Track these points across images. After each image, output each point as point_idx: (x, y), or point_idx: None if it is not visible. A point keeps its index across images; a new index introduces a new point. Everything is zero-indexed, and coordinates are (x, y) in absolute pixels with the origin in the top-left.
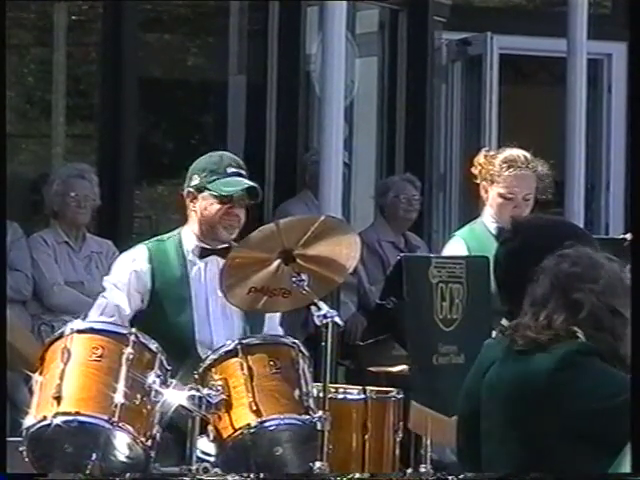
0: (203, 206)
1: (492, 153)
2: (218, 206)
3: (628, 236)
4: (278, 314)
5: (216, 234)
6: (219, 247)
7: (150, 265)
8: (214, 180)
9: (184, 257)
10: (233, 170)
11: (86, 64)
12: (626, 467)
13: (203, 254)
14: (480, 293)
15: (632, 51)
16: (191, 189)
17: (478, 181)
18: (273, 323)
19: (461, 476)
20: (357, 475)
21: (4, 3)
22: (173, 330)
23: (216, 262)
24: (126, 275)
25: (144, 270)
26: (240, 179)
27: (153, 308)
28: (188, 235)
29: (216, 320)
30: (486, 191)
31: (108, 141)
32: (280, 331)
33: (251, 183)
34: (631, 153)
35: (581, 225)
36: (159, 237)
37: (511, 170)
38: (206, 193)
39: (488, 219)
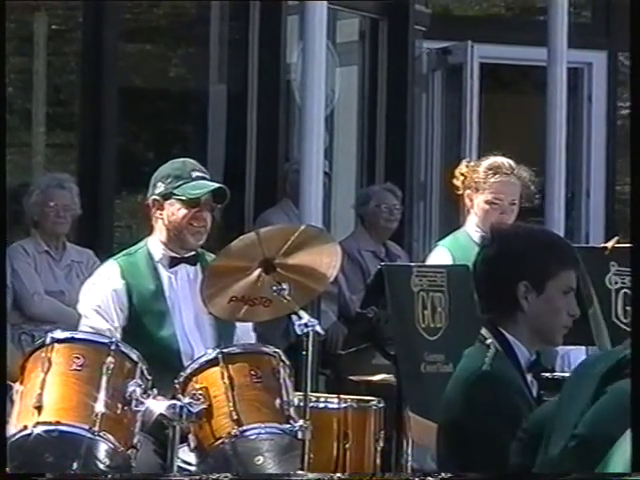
0: (170, 212)
1: (473, 163)
2: (185, 211)
3: (609, 244)
4: None
5: (183, 241)
6: (187, 255)
7: (124, 281)
8: (180, 185)
9: (155, 268)
10: (198, 174)
11: (66, 73)
12: (617, 467)
13: (172, 263)
14: (463, 302)
15: (632, 51)
16: (156, 197)
17: (460, 192)
18: (245, 329)
19: (440, 476)
20: (337, 475)
21: (4, 5)
22: (157, 345)
23: (185, 270)
24: (106, 296)
25: (120, 287)
26: (206, 182)
27: (133, 325)
28: (155, 245)
29: (191, 329)
30: (471, 200)
31: (88, 150)
32: (253, 336)
33: (218, 184)
34: (631, 155)
35: (561, 233)
36: (126, 250)
37: (497, 177)
38: (173, 199)
39: (472, 228)
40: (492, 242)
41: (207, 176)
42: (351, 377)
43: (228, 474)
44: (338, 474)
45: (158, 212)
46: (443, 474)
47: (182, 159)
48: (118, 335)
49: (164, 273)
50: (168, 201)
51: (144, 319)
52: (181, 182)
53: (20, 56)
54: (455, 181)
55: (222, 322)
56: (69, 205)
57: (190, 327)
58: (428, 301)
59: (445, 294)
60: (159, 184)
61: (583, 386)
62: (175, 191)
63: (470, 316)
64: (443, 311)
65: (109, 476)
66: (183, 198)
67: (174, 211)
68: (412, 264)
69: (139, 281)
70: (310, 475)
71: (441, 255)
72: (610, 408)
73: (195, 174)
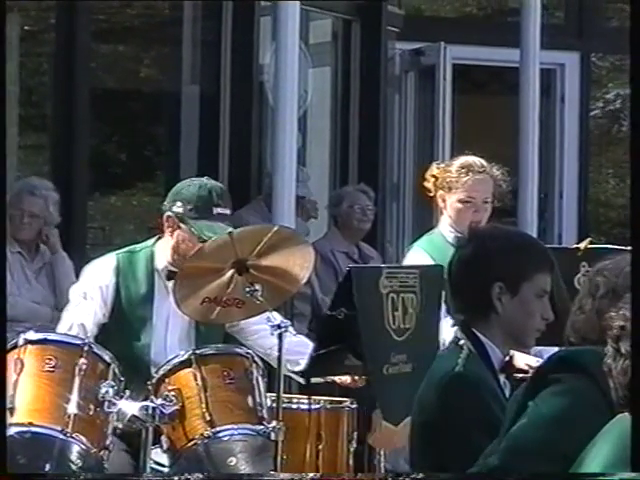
0: (180, 238)
1: (444, 163)
2: (192, 244)
3: (582, 245)
4: None
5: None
6: None
7: (116, 279)
8: (198, 218)
9: (152, 274)
10: (219, 211)
11: (38, 75)
12: (590, 466)
13: (170, 276)
14: (432, 302)
15: (632, 51)
16: (172, 215)
17: (432, 194)
18: None
19: (412, 476)
20: (310, 476)
21: (4, 4)
22: (129, 350)
23: None
24: (92, 288)
25: (108, 284)
26: (224, 226)
27: (113, 324)
28: (161, 252)
29: (172, 342)
30: (444, 200)
31: (61, 152)
32: None
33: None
34: (631, 155)
35: (534, 234)
36: (132, 247)
37: (469, 175)
38: (186, 227)
39: (446, 229)
40: (468, 242)
41: (228, 211)
42: (321, 378)
43: (200, 475)
44: (311, 475)
45: (169, 228)
46: (416, 475)
47: (210, 185)
48: (95, 329)
49: (159, 282)
50: (183, 225)
51: (125, 322)
52: (200, 216)
53: None
54: (426, 184)
55: (206, 338)
56: (36, 213)
57: (173, 339)
58: (399, 302)
59: (417, 295)
60: (179, 203)
61: (519, 388)
62: (191, 222)
63: (436, 316)
64: (414, 312)
65: (81, 477)
66: (196, 233)
67: (184, 238)
68: (383, 265)
69: (131, 282)
70: (283, 476)
71: (418, 256)
72: (525, 439)
73: (217, 211)
